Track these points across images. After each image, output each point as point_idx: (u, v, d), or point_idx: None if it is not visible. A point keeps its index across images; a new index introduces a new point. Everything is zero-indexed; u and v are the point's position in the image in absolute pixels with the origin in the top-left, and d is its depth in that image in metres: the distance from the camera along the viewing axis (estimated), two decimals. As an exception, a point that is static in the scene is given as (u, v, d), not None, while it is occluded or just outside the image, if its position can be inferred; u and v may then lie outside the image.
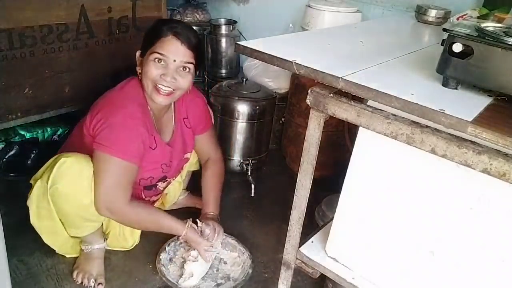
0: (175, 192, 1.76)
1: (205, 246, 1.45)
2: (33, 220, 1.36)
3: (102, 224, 1.49)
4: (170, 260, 1.55)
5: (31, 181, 1.36)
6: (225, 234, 1.58)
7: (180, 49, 1.32)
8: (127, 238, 1.58)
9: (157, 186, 1.57)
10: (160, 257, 1.51)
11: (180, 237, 1.44)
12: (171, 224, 1.42)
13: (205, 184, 1.65)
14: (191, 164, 1.75)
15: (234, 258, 1.60)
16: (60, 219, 1.35)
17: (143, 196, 1.55)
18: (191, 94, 1.52)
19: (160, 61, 1.32)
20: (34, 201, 1.33)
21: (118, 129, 1.28)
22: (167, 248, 1.56)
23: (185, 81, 1.36)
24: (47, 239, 1.43)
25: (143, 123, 1.34)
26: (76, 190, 1.28)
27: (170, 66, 1.32)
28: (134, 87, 1.38)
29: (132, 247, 1.60)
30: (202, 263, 1.48)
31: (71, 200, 1.29)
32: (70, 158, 1.27)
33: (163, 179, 1.56)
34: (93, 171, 1.29)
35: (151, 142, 1.40)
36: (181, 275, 1.47)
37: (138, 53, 1.39)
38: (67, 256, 1.52)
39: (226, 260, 1.60)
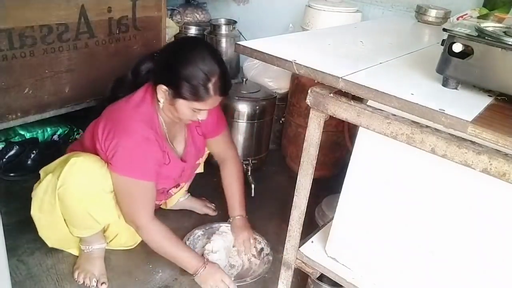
0: (179, 192, 1.76)
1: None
2: (34, 212, 1.37)
3: (106, 230, 1.50)
4: None
5: (41, 172, 1.37)
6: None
7: (220, 99, 1.33)
8: (131, 240, 1.58)
9: (169, 191, 1.58)
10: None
11: (194, 275, 1.42)
12: (187, 258, 1.41)
13: (227, 186, 1.66)
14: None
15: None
16: (64, 218, 1.36)
17: (160, 199, 1.57)
18: None
19: (199, 110, 1.32)
20: (39, 193, 1.34)
21: (133, 151, 1.28)
22: (187, 242, 1.60)
23: None
24: (42, 233, 1.43)
25: (156, 142, 1.34)
26: (85, 193, 1.29)
27: (207, 111, 1.34)
28: (148, 103, 1.34)
29: (133, 247, 1.60)
30: (220, 254, 1.53)
31: (79, 201, 1.30)
32: (81, 158, 1.29)
33: (176, 186, 1.58)
34: (114, 190, 1.33)
35: (165, 158, 1.40)
36: None
37: (164, 88, 1.29)
38: (63, 250, 1.52)
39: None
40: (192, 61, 1.25)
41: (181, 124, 1.48)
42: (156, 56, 1.39)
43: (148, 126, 1.32)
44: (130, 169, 1.29)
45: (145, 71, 1.41)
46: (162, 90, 1.29)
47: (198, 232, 1.67)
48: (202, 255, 1.55)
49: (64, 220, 1.37)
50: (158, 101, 1.33)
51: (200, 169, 1.78)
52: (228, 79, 1.33)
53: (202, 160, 1.68)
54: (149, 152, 1.31)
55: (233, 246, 1.63)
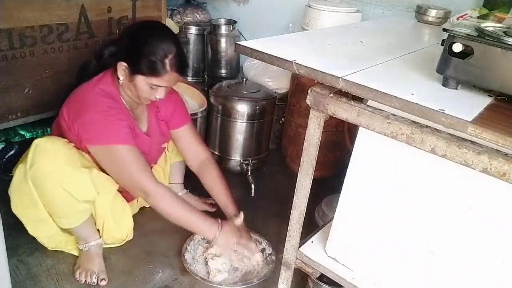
0: (158, 176, 1.72)
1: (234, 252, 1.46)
2: (15, 209, 1.38)
3: (95, 222, 1.49)
4: (193, 258, 1.58)
5: (12, 173, 1.39)
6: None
7: (176, 77, 1.38)
8: (121, 229, 1.57)
9: None
10: (186, 257, 1.54)
11: (212, 241, 1.44)
12: (203, 223, 1.42)
13: (214, 188, 1.65)
14: (176, 155, 1.75)
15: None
16: (47, 210, 1.36)
17: None
18: None
19: (156, 87, 1.37)
20: (15, 188, 1.35)
21: (102, 120, 1.32)
22: (188, 248, 1.60)
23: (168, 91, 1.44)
24: (32, 229, 1.43)
25: (121, 110, 1.38)
26: (56, 167, 1.30)
27: (164, 89, 1.39)
28: (108, 82, 1.40)
29: (126, 239, 1.60)
30: (224, 257, 1.53)
31: (52, 178, 1.30)
32: (44, 139, 1.33)
33: None
34: (106, 167, 1.36)
35: (132, 131, 1.42)
36: (207, 272, 1.51)
37: (124, 65, 1.35)
38: (64, 250, 1.52)
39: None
40: (151, 39, 1.33)
41: (143, 107, 1.53)
42: (117, 40, 1.45)
43: (109, 99, 1.36)
44: (106, 137, 1.31)
45: (107, 54, 1.45)
46: (122, 68, 1.36)
47: (198, 237, 1.66)
48: (205, 259, 1.56)
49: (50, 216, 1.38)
50: (118, 78, 1.38)
51: (182, 157, 1.76)
52: (184, 58, 1.40)
53: (167, 145, 1.68)
54: (118, 117, 1.34)
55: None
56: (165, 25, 1.47)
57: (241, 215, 1.60)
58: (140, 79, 1.34)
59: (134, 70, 1.34)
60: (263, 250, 1.64)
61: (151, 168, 1.64)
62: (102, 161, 1.35)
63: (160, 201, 1.37)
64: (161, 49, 1.31)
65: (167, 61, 1.32)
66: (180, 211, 1.39)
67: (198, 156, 1.67)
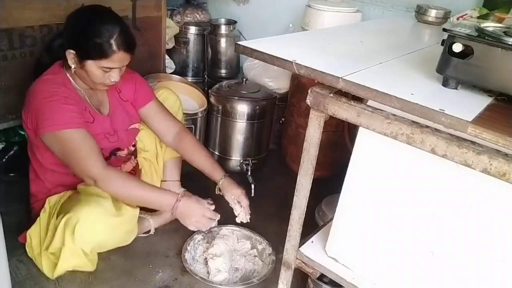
0: (151, 173, 1.74)
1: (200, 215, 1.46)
2: (59, 269, 1.40)
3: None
4: (193, 258, 1.58)
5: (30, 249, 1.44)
6: (239, 226, 1.68)
7: (126, 57, 1.37)
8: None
9: (117, 155, 1.57)
10: (186, 257, 1.55)
11: (172, 211, 1.43)
12: (160, 196, 1.43)
13: (195, 154, 1.64)
14: (170, 152, 1.74)
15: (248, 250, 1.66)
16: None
17: (104, 153, 1.54)
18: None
19: (108, 69, 1.36)
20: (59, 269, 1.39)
21: (45, 108, 1.31)
22: (188, 248, 1.60)
23: (123, 73, 1.43)
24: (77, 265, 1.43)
25: (67, 95, 1.35)
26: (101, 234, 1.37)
27: (117, 71, 1.38)
28: (55, 73, 1.39)
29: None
30: (224, 258, 1.53)
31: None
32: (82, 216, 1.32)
33: (117, 149, 1.56)
34: (57, 155, 1.35)
35: (87, 116, 1.42)
36: (207, 272, 1.51)
37: (72, 53, 1.34)
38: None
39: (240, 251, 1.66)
40: (92, 21, 1.33)
41: (102, 92, 1.51)
42: (63, 29, 1.44)
43: (55, 86, 1.35)
44: (51, 123, 1.30)
45: (57, 46, 1.45)
46: (71, 56, 1.34)
47: (198, 237, 1.66)
48: (205, 259, 1.56)
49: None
50: (69, 67, 1.37)
51: (174, 154, 1.74)
52: (130, 35, 1.38)
53: (139, 126, 1.65)
54: (63, 102, 1.33)
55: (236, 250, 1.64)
56: (106, 7, 1.46)
57: (228, 178, 1.61)
58: (91, 64, 1.33)
59: (83, 56, 1.33)
60: (263, 250, 1.64)
61: (130, 152, 1.63)
62: (53, 149, 1.34)
63: (109, 184, 1.35)
64: (104, 29, 1.30)
65: (112, 41, 1.31)
66: (133, 189, 1.39)
67: (171, 129, 1.65)
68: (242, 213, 1.59)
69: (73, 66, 1.36)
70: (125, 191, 1.38)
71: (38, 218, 1.44)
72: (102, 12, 1.39)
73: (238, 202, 1.60)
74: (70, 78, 1.41)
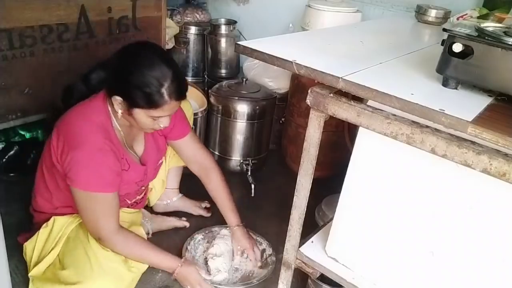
0: (158, 188, 1.73)
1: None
2: None
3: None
4: (193, 258, 1.58)
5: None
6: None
7: (178, 104, 1.29)
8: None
9: (138, 190, 1.55)
10: (186, 257, 1.54)
11: (173, 276, 1.41)
12: (162, 260, 1.39)
13: (217, 196, 1.62)
14: (176, 160, 1.71)
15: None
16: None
17: (127, 201, 1.53)
18: None
19: (158, 118, 1.28)
20: None
21: (88, 164, 1.24)
22: (188, 247, 1.60)
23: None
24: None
25: (111, 152, 1.28)
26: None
27: (167, 118, 1.31)
28: (100, 112, 1.30)
29: None
30: (224, 258, 1.54)
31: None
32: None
33: (140, 189, 1.55)
34: (77, 205, 1.29)
35: (123, 164, 1.36)
36: (207, 271, 1.50)
37: (119, 100, 1.24)
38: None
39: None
40: (140, 67, 1.20)
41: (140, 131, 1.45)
42: (106, 64, 1.34)
43: (101, 136, 1.27)
44: (88, 183, 1.24)
45: (96, 80, 1.38)
46: (118, 102, 1.25)
47: (198, 236, 1.67)
48: (205, 259, 1.56)
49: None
50: (116, 112, 1.29)
51: (181, 162, 1.71)
52: (182, 80, 1.27)
53: (164, 160, 1.64)
54: (105, 163, 1.26)
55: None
56: (155, 45, 1.33)
57: (241, 228, 1.60)
58: (139, 113, 1.24)
59: (131, 104, 1.23)
60: (263, 251, 1.64)
61: (145, 188, 1.61)
62: (75, 198, 1.28)
63: (113, 248, 1.32)
64: (153, 78, 1.19)
65: (163, 90, 1.20)
66: (136, 252, 1.35)
67: (201, 162, 1.62)
68: (249, 263, 1.59)
69: (119, 112, 1.27)
70: (128, 254, 1.35)
71: (37, 233, 1.38)
72: (149, 54, 1.24)
73: (242, 253, 1.60)
74: (112, 117, 1.32)
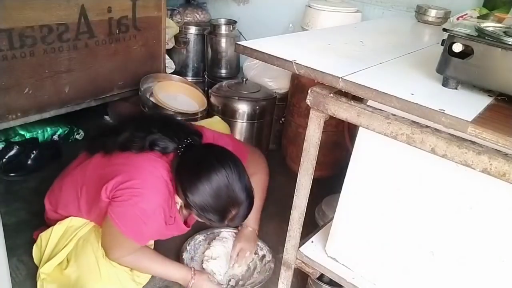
0: None
1: None
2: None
3: None
4: (192, 258, 1.57)
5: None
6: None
7: None
8: None
9: None
10: (183, 256, 1.54)
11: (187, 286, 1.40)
12: (174, 272, 1.39)
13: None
14: None
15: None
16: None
17: None
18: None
19: None
20: None
21: (140, 214, 1.22)
22: (187, 247, 1.59)
23: None
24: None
25: (163, 214, 1.28)
26: None
27: None
28: (166, 177, 1.27)
29: None
30: (220, 260, 1.53)
31: None
32: None
33: None
34: (103, 234, 1.30)
35: (170, 220, 1.35)
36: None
37: (180, 200, 1.27)
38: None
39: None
40: (221, 196, 1.21)
41: None
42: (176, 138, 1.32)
43: (162, 196, 1.26)
44: (127, 230, 1.23)
45: (150, 141, 1.30)
46: (180, 200, 1.28)
47: (200, 237, 1.66)
48: (202, 261, 1.55)
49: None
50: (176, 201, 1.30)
51: None
52: (249, 210, 1.28)
53: None
54: (153, 223, 1.26)
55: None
56: (234, 159, 1.27)
57: (253, 232, 1.58)
58: (197, 215, 1.28)
59: (192, 209, 1.25)
60: (263, 257, 1.62)
61: None
62: (105, 226, 1.28)
63: (121, 263, 1.32)
64: (225, 208, 1.22)
65: (226, 220, 1.24)
66: (148, 269, 1.36)
67: (254, 170, 1.55)
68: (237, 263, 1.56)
69: (179, 202, 1.30)
70: (138, 267, 1.36)
71: (52, 228, 1.38)
72: (228, 179, 1.21)
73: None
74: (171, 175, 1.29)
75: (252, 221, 1.59)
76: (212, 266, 1.51)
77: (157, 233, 1.35)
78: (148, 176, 1.24)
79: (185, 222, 1.46)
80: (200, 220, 1.31)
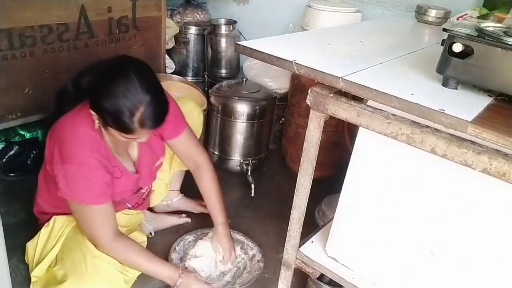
0: (160, 191, 1.70)
1: None
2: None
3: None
4: (181, 259, 1.56)
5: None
6: (232, 230, 1.61)
7: (154, 130, 1.28)
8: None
9: (138, 193, 1.54)
10: (172, 257, 1.54)
11: (174, 286, 1.38)
12: (161, 270, 1.37)
13: (205, 193, 1.60)
14: (180, 164, 1.68)
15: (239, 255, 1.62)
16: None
17: (127, 204, 1.52)
18: None
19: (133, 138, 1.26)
20: None
21: (75, 178, 1.24)
22: (177, 248, 1.59)
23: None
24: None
25: (100, 163, 1.27)
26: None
27: (144, 137, 1.28)
28: (86, 124, 1.26)
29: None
30: (204, 259, 1.52)
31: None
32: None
33: (138, 191, 1.52)
34: (75, 217, 1.31)
35: (115, 172, 1.35)
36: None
37: (95, 115, 1.22)
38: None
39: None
40: (113, 94, 1.16)
41: None
42: (91, 72, 1.30)
43: (88, 149, 1.25)
44: (79, 196, 1.25)
45: (85, 85, 1.32)
46: (95, 118, 1.23)
47: (189, 237, 1.65)
48: (185, 259, 1.54)
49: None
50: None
51: (185, 166, 1.70)
52: (158, 109, 1.21)
53: (163, 160, 1.59)
54: (94, 177, 1.25)
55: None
56: (137, 66, 1.23)
57: (223, 227, 1.56)
58: (114, 131, 1.22)
59: (104, 123, 1.21)
60: (253, 256, 1.61)
61: (149, 188, 1.60)
62: (73, 212, 1.30)
63: (111, 254, 1.31)
64: (125, 107, 1.15)
65: (135, 119, 1.16)
66: (135, 261, 1.34)
67: (194, 159, 1.59)
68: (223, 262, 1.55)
69: (96, 123, 1.25)
70: (126, 262, 1.34)
71: (39, 233, 1.39)
72: (127, 81, 1.17)
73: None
74: (103, 128, 1.28)
75: (218, 217, 1.57)
76: (194, 264, 1.50)
77: (108, 185, 1.30)
78: (67, 139, 1.25)
79: (137, 172, 1.44)
80: (120, 137, 1.24)
